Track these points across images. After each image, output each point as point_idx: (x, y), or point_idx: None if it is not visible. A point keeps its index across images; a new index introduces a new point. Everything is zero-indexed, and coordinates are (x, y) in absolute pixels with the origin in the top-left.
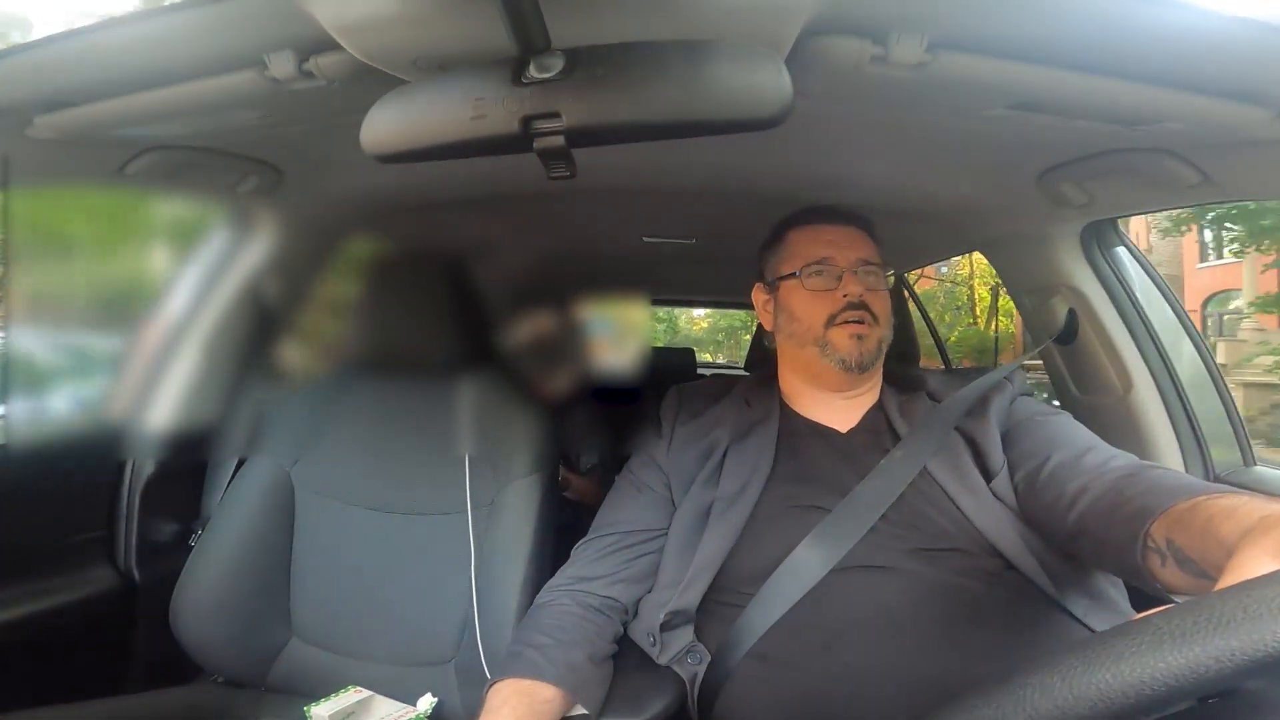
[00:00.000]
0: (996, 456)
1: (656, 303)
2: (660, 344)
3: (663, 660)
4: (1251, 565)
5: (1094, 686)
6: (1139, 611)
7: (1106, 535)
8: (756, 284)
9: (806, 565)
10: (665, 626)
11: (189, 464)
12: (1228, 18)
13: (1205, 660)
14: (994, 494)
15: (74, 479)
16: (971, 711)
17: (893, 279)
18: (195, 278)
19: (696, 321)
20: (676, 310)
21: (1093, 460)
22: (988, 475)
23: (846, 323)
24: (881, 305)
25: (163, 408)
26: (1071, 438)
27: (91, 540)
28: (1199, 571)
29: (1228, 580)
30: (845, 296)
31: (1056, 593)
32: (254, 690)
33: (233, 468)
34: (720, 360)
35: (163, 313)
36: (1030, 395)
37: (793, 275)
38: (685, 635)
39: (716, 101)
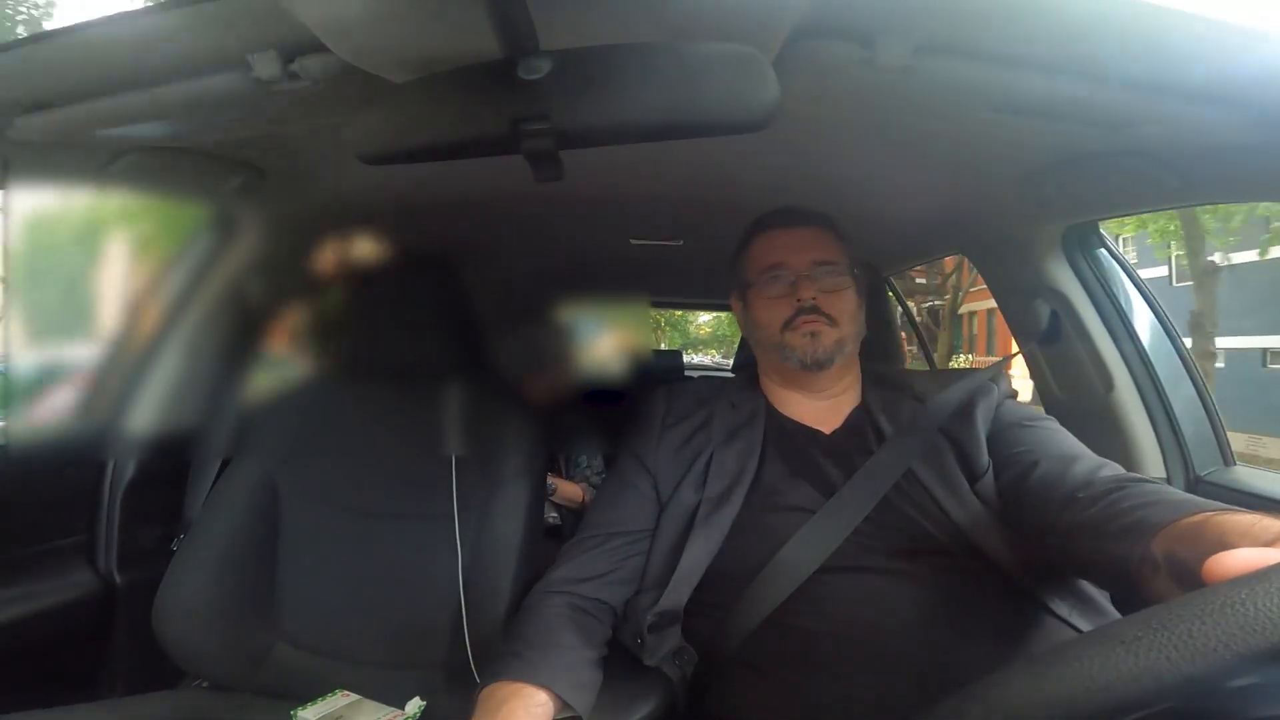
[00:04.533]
0: (981, 459)
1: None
2: (674, 347)
3: (650, 661)
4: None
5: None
6: (1121, 612)
7: (1097, 550)
8: (733, 293)
9: (792, 566)
10: (652, 628)
11: (171, 467)
12: (1207, 23)
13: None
14: (978, 496)
15: (54, 481)
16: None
17: (853, 281)
18: (178, 279)
19: (700, 327)
20: (687, 318)
21: (1080, 470)
22: (972, 477)
23: (801, 325)
24: (839, 306)
25: (145, 410)
26: (1058, 445)
27: (71, 544)
28: (1199, 585)
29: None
30: (798, 302)
31: (1040, 594)
32: (240, 694)
33: (216, 470)
34: (718, 357)
35: (146, 314)
36: (1015, 398)
37: (753, 284)
38: (673, 636)
39: (704, 104)
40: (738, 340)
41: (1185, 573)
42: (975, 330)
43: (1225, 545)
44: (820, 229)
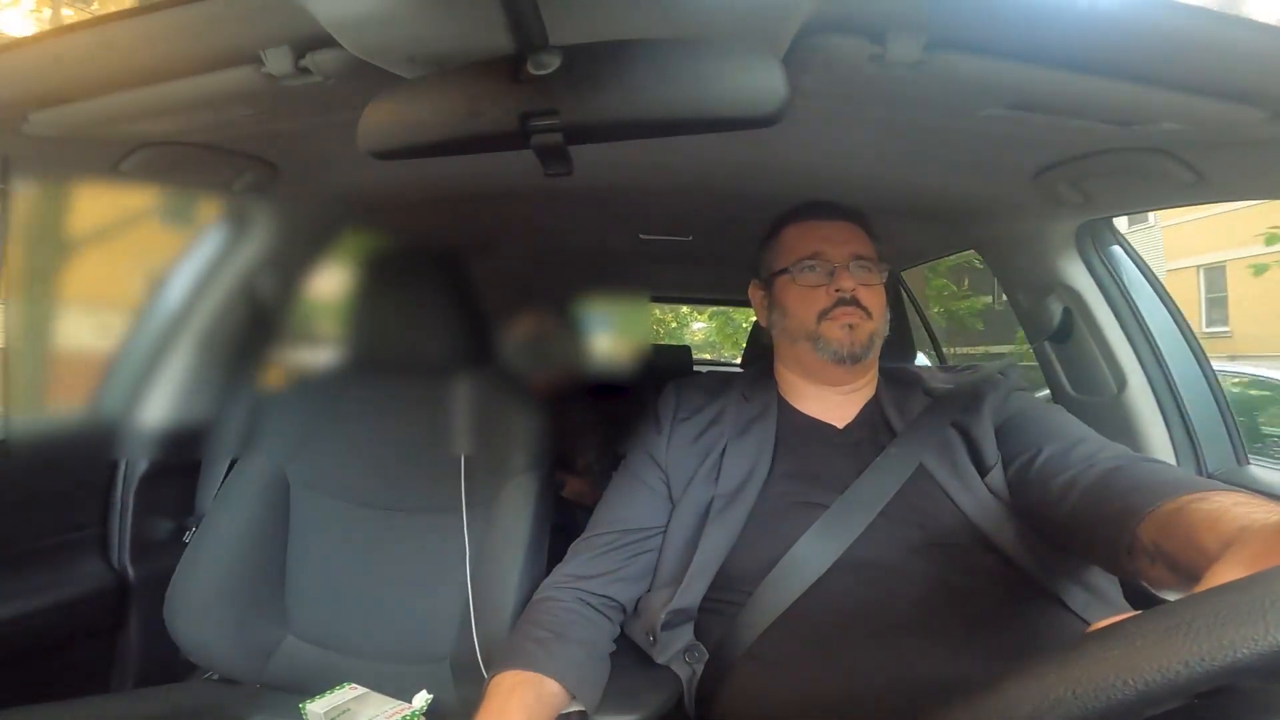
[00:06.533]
0: (991, 451)
1: (655, 300)
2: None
3: (661, 659)
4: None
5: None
6: (1133, 605)
7: (1094, 533)
8: (753, 281)
9: (805, 563)
10: (666, 625)
11: (183, 460)
12: (1223, 18)
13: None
14: (989, 488)
15: (67, 475)
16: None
17: (885, 276)
18: (190, 274)
19: (695, 334)
20: (678, 327)
21: (1083, 452)
22: (982, 470)
23: (840, 316)
24: (875, 300)
25: (157, 404)
26: (1063, 430)
27: (85, 537)
28: (1189, 575)
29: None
30: (838, 291)
31: (1053, 587)
32: (249, 687)
33: (228, 464)
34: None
35: (158, 309)
36: (1025, 390)
37: (786, 271)
38: (685, 634)
39: (714, 99)
40: (728, 346)
41: (1175, 565)
42: None
43: (1195, 542)
44: (856, 224)
